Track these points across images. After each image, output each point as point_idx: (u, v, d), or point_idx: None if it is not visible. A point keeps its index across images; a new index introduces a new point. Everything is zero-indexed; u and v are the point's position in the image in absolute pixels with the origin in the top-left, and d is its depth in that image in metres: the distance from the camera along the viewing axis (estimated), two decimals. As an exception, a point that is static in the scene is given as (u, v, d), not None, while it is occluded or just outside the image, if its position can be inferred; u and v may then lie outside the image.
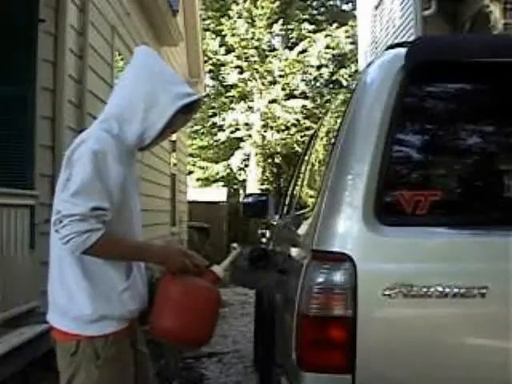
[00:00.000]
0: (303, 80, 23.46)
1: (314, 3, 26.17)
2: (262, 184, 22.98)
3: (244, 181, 24.01)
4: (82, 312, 2.09)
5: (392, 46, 2.42)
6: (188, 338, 2.23)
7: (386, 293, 2.01)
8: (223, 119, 23.28)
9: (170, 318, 2.17)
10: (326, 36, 22.94)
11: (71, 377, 2.11)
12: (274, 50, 23.85)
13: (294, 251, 2.61)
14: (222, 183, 24.08)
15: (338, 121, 2.52)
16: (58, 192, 2.11)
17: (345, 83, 22.47)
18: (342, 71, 23.62)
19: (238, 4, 22.81)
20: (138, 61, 2.28)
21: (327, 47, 22.93)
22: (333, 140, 2.48)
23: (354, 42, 21.38)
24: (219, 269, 2.31)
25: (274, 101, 22.66)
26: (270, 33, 23.45)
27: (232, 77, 22.67)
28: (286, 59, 22.64)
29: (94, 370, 2.10)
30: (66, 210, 2.00)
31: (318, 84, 24.85)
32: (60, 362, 2.16)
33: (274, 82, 22.89)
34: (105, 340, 2.12)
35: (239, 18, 22.52)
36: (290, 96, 22.89)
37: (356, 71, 21.14)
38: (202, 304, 2.21)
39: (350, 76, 23.30)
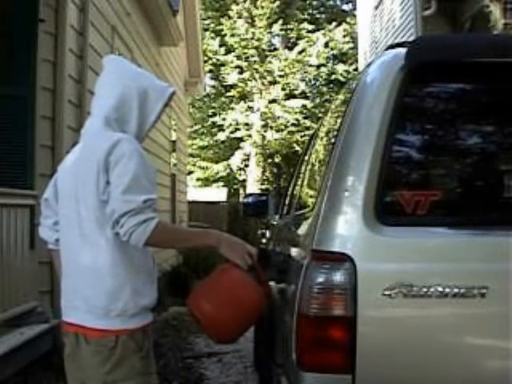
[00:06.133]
0: (303, 80, 23.47)
1: (314, 3, 26.17)
2: (262, 184, 23.00)
3: (244, 181, 24.01)
4: (126, 307, 2.14)
5: (392, 46, 2.41)
6: (218, 332, 2.26)
7: (386, 293, 2.01)
8: (223, 119, 23.30)
9: (216, 307, 2.20)
10: (325, 35, 22.94)
11: (111, 370, 2.13)
12: (274, 50, 23.86)
13: (293, 251, 2.61)
14: (222, 183, 24.11)
15: (338, 121, 2.52)
16: (92, 196, 2.14)
17: (343, 80, 22.44)
18: (340, 67, 23.58)
19: (237, 4, 22.83)
20: (115, 66, 2.37)
21: (326, 46, 22.93)
22: (333, 140, 2.48)
23: (353, 41, 21.38)
24: (273, 287, 2.32)
25: (273, 101, 22.67)
26: (270, 33, 23.46)
27: (232, 77, 22.68)
28: (286, 59, 22.64)
29: (138, 361, 2.16)
30: (120, 210, 2.07)
31: (317, 83, 24.86)
32: (93, 358, 2.16)
33: (274, 82, 22.90)
34: (143, 331, 2.19)
35: (239, 18, 22.54)
36: (290, 96, 22.90)
37: (355, 69, 21.12)
38: (249, 313, 2.25)
39: (346, 71, 23.26)
